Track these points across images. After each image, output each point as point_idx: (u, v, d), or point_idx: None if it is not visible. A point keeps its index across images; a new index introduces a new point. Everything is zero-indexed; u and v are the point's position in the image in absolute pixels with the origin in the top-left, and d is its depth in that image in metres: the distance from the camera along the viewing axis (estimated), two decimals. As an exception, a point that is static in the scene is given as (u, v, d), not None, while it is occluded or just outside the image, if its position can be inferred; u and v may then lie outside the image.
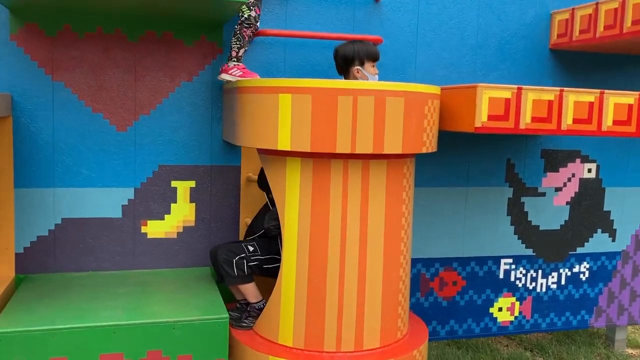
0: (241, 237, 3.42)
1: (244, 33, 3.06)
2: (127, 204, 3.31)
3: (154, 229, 3.35)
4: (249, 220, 3.39)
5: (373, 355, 2.86)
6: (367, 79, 3.06)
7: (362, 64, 3.06)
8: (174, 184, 3.36)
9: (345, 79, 3.10)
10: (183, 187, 3.37)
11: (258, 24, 3.12)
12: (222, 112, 3.38)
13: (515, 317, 4.08)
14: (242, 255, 3.02)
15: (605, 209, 4.15)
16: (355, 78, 3.06)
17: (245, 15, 3.04)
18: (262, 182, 3.12)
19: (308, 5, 3.43)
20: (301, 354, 2.83)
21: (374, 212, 2.80)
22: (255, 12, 3.07)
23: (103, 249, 3.29)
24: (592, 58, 3.94)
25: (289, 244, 2.84)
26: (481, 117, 2.87)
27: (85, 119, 3.20)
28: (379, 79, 3.18)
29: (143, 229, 3.34)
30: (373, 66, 3.09)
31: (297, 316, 2.85)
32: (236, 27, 3.08)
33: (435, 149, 2.95)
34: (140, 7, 2.96)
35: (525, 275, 4.05)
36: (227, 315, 2.78)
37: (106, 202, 3.27)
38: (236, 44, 3.08)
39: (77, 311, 2.70)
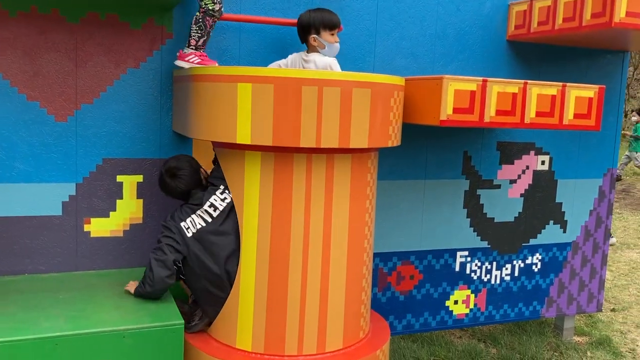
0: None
1: (207, 22, 2.87)
2: (68, 200, 3.05)
3: (98, 227, 3.11)
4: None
5: (336, 357, 2.75)
6: (324, 48, 2.99)
7: (318, 32, 2.97)
8: (119, 178, 3.12)
9: (307, 48, 3.04)
10: (129, 182, 3.14)
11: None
12: (172, 101, 3.16)
13: (471, 310, 4.07)
14: None
15: (557, 200, 4.19)
16: (314, 47, 2.99)
17: (210, 8, 2.85)
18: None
19: (265, -11, 3.25)
20: (261, 359, 2.69)
21: (338, 209, 2.67)
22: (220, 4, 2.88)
23: (41, 250, 3.02)
24: (546, 50, 3.94)
25: (248, 243, 2.68)
26: (446, 110, 2.79)
27: (19, 107, 2.91)
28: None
29: (86, 228, 3.09)
30: (332, 34, 3.01)
31: (257, 319, 2.70)
32: (198, 14, 2.87)
33: (399, 143, 2.86)
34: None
35: (480, 267, 4.05)
36: (182, 321, 2.60)
37: (44, 198, 3.00)
38: (197, 32, 2.87)
39: (13, 322, 2.44)
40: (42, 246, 3.03)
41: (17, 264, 3.00)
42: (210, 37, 2.96)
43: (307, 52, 3.03)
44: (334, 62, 2.96)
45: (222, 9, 2.92)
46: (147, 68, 3.10)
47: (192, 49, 2.90)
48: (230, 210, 2.73)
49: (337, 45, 3.02)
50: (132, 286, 2.84)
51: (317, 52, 2.99)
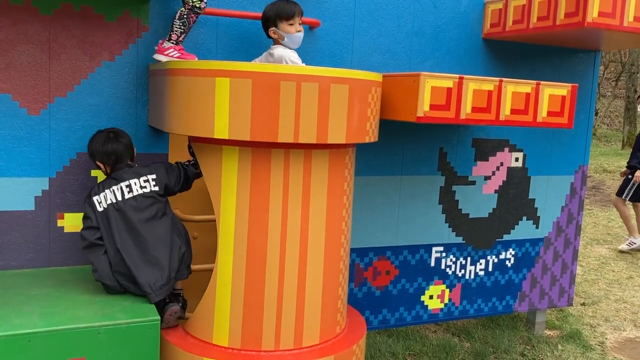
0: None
1: (191, 19, 2.87)
2: (40, 195, 2.99)
3: (72, 222, 3.06)
4: (177, 212, 3.16)
5: (313, 352, 2.76)
6: (284, 39, 3.00)
7: (275, 24, 2.99)
8: (94, 173, 3.07)
9: (273, 42, 3.07)
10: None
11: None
12: (148, 95, 3.12)
13: (445, 305, 4.12)
14: None
15: (530, 196, 4.26)
16: (277, 40, 3.01)
17: (197, 5, 2.86)
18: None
19: (242, -17, 3.23)
20: (237, 355, 2.69)
21: (315, 204, 2.68)
22: None
23: (13, 245, 2.96)
24: (522, 48, 4.00)
25: (225, 238, 2.67)
26: (423, 107, 2.81)
27: (-10, 100, 2.85)
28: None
29: (59, 223, 3.04)
30: (291, 24, 3.00)
31: (234, 314, 2.69)
32: (182, 9, 2.86)
33: (377, 139, 2.87)
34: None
35: (455, 262, 4.10)
36: (158, 317, 2.57)
37: (16, 193, 2.94)
38: (180, 27, 2.86)
39: (-17, 318, 2.40)
40: (14, 242, 2.98)
41: (-13, 260, 2.95)
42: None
43: (272, 46, 3.03)
44: (289, 55, 2.95)
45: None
46: (122, 61, 3.06)
47: (172, 43, 2.88)
48: (151, 205, 2.77)
49: (299, 34, 3.02)
50: None
51: (280, 44, 3.00)
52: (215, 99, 2.47)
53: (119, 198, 2.74)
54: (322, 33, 3.42)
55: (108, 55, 3.02)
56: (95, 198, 2.75)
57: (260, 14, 3.20)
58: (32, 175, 2.96)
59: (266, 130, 2.47)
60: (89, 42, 2.97)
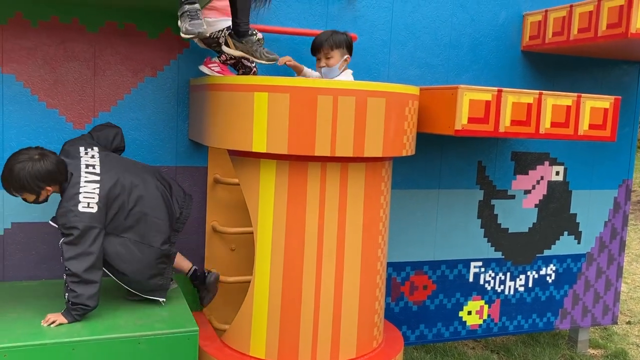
0: (207, 242, 3.24)
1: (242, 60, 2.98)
2: (84, 207, 3.07)
3: (114, 233, 3.12)
4: (216, 224, 3.21)
5: (349, 366, 2.75)
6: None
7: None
8: (135, 185, 3.14)
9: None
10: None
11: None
12: (188, 109, 3.19)
13: (484, 321, 4.05)
14: None
15: (571, 211, 4.16)
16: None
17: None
18: None
19: (280, 0, 3.28)
20: (274, 367, 2.70)
21: (352, 218, 2.68)
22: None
23: (58, 255, 3.03)
24: (561, 61, 3.94)
25: (262, 251, 2.69)
26: (461, 120, 2.80)
27: (38, 115, 2.96)
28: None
29: (102, 234, 3.11)
30: (318, 59, 2.99)
31: (271, 326, 2.71)
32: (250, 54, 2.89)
33: (413, 152, 2.86)
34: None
35: (494, 278, 4.03)
36: (197, 327, 2.60)
37: (61, 205, 3.03)
38: (229, 55, 2.92)
39: (30, 326, 2.47)
40: (59, 252, 3.05)
41: (33, 270, 3.04)
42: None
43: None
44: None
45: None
46: (164, 77, 3.14)
47: (220, 60, 2.94)
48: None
49: (321, 70, 2.98)
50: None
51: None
52: (254, 114, 2.51)
53: (98, 171, 2.61)
54: (359, 47, 3.44)
55: (150, 71, 3.11)
56: (80, 207, 2.52)
57: (297, 30, 3.25)
58: (77, 187, 3.05)
59: (303, 144, 2.49)
60: (132, 59, 3.06)
